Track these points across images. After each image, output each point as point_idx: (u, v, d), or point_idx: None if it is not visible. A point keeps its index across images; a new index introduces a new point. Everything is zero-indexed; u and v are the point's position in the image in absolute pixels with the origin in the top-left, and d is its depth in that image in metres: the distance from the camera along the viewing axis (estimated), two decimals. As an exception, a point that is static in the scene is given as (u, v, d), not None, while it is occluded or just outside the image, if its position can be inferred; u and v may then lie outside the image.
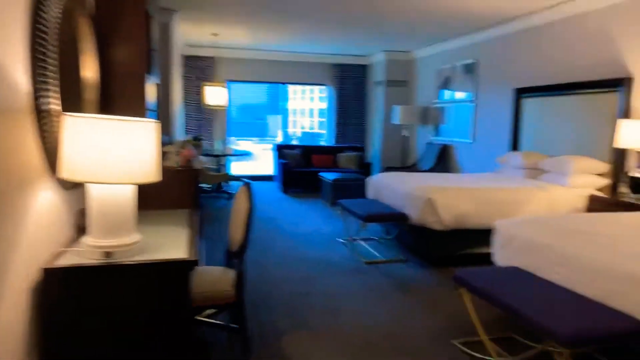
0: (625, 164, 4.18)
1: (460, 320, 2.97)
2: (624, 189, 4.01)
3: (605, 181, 4.28)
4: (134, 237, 1.77)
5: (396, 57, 8.32)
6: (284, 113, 15.82)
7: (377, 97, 8.76)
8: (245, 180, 2.46)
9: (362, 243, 4.76)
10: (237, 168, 9.60)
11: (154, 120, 1.74)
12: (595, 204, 4.03)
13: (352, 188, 6.75)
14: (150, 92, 3.32)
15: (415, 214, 4.01)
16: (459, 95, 6.93)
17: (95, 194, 1.69)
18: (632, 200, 3.77)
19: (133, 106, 2.61)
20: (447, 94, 7.27)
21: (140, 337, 1.75)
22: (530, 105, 5.35)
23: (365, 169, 8.02)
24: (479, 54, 6.40)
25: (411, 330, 2.84)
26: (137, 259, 1.72)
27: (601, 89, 4.35)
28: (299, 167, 8.03)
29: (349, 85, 8.98)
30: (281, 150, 8.29)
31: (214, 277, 2.38)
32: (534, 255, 2.63)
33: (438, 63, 7.48)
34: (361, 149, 8.56)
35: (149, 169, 1.67)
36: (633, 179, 3.85)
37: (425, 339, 2.73)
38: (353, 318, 3.00)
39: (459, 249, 4.07)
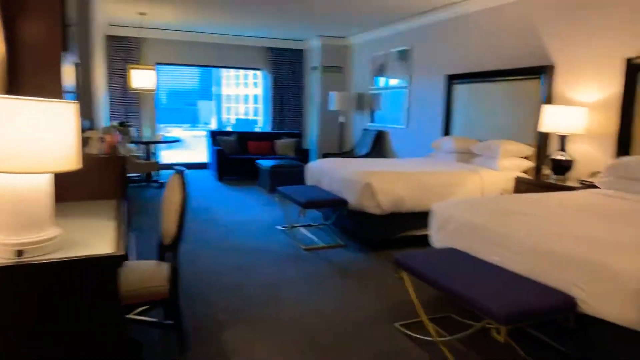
0: (548, 147, 4.44)
1: (400, 302, 3.01)
2: (547, 170, 4.26)
3: (529, 164, 4.53)
4: (52, 232, 1.58)
5: (332, 42, 8.29)
6: (217, 99, 15.30)
7: (313, 83, 8.70)
8: (177, 168, 2.30)
9: (302, 230, 4.71)
10: (167, 156, 9.18)
11: (71, 101, 1.55)
12: (521, 186, 4.25)
13: (290, 175, 6.67)
14: (68, 72, 3.02)
15: (354, 199, 4.01)
16: (394, 81, 7.03)
17: (5, 185, 1.48)
18: (554, 181, 4.01)
19: (47, 87, 2.35)
20: (382, 80, 7.36)
21: (64, 342, 1.58)
22: (461, 91, 5.53)
23: (303, 155, 7.96)
24: (413, 41, 6.51)
25: (352, 315, 2.83)
26: (55, 256, 1.54)
27: (525, 76, 4.57)
28: (235, 154, 7.82)
29: (285, 70, 8.83)
30: (215, 137, 8.01)
31: (145, 272, 2.21)
32: (470, 236, 2.71)
33: (373, 49, 7.55)
34: (298, 135, 8.49)
35: (67, 156, 1.49)
36: (555, 161, 4.10)
37: (367, 323, 2.73)
38: (293, 306, 2.94)
39: (397, 232, 4.14)
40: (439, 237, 2.99)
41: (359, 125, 8.05)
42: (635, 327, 1.88)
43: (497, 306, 1.94)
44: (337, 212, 4.36)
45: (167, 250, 2.27)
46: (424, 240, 4.31)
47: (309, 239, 4.43)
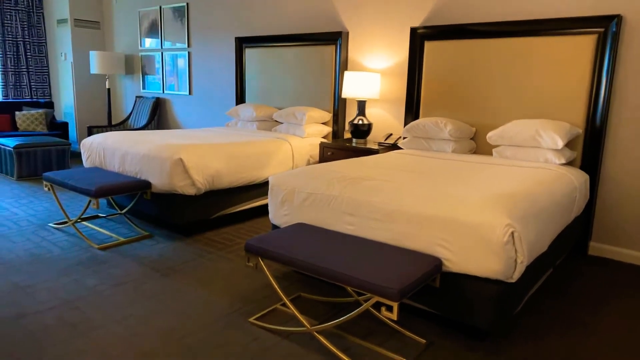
0: (346, 112, 4.61)
1: (241, 293, 2.64)
2: (348, 134, 4.42)
3: (328, 129, 4.63)
4: None
5: (83, -10, 6.82)
6: None
7: (62, 40, 7.04)
8: None
9: (87, 224, 3.75)
10: None
11: None
12: (326, 151, 4.30)
13: (46, 156, 5.30)
14: None
15: (161, 180, 3.34)
16: (171, 42, 6.23)
17: None
18: (356, 144, 4.18)
19: None
20: (155, 40, 6.44)
21: None
22: (253, 56, 5.24)
23: (60, 130, 6.42)
24: (191, -4, 5.85)
25: (193, 321, 2.32)
26: None
27: (321, 41, 4.59)
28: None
29: (17, 22, 6.87)
30: None
31: None
32: (319, 207, 2.51)
33: (139, 4, 6.51)
34: (49, 105, 6.80)
35: None
36: (355, 125, 4.26)
37: (214, 327, 2.28)
38: (111, 328, 2.23)
39: (213, 212, 3.67)
40: (282, 211, 2.70)
41: (131, 92, 6.95)
42: (497, 277, 2.01)
43: (388, 283, 1.80)
44: (135, 197, 3.58)
45: None
46: (243, 217, 3.99)
47: (100, 234, 3.54)
